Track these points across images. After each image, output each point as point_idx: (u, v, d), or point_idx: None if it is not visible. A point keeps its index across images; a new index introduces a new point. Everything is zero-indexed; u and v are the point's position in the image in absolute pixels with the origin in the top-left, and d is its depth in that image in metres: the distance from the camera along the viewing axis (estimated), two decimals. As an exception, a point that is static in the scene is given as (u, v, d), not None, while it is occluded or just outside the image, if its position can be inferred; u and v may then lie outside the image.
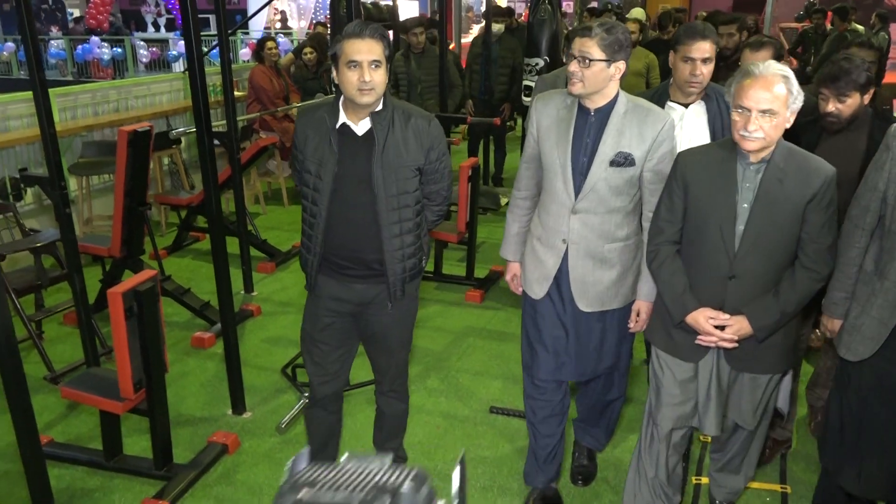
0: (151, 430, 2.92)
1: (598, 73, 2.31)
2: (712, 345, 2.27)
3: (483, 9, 7.44)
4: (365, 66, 2.21)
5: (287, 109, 6.48)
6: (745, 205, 2.16)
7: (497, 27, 6.60)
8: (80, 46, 15.04)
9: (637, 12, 7.76)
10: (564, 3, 16.40)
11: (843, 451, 2.37)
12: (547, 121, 2.48)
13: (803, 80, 9.10)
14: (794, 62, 9.41)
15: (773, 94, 2.02)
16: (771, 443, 3.10)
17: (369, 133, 2.34)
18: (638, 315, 2.57)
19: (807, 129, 2.75)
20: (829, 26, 9.57)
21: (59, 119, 5.78)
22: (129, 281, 2.78)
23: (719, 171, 2.18)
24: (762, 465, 3.04)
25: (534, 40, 5.77)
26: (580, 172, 2.41)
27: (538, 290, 2.58)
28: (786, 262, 2.20)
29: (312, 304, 2.56)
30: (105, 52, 14.66)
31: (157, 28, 20.09)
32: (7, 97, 5.57)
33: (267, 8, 15.45)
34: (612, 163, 2.36)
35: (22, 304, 3.87)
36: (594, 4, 13.45)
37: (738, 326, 2.21)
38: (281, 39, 11.89)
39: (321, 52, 6.87)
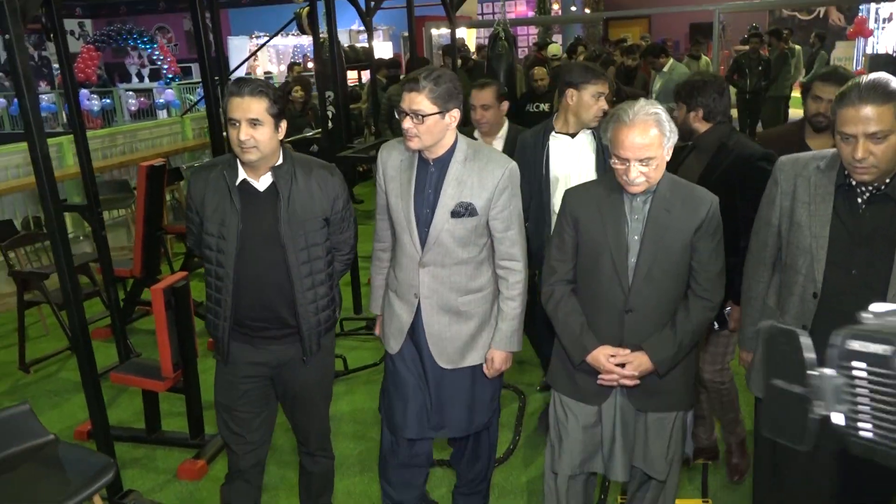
0: (187, 404, 3.53)
1: (432, 127, 2.26)
2: (614, 384, 2.23)
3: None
4: (242, 124, 2.19)
5: (278, 144, 7.20)
6: (636, 237, 2.16)
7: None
8: (70, 99, 15.69)
9: (553, 48, 8.48)
10: (530, 37, 17.34)
11: (779, 494, 2.28)
12: (391, 171, 2.43)
13: (744, 105, 9.50)
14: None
15: (648, 140, 2.03)
16: (695, 449, 3.22)
17: (272, 188, 2.31)
18: (493, 362, 2.49)
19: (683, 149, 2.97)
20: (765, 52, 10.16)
21: (72, 163, 6.46)
22: (166, 280, 3.41)
23: (607, 205, 2.18)
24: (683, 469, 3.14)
25: (493, 72, 6.53)
26: (424, 224, 2.36)
27: (394, 345, 2.51)
28: (679, 293, 2.22)
29: (226, 372, 2.48)
30: (95, 103, 15.35)
31: (140, 79, 20.82)
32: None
33: (247, 54, 16.23)
34: (454, 213, 2.32)
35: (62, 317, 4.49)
36: (557, 35, 14.33)
37: (639, 362, 2.18)
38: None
39: (306, 92, 7.61)
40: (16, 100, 12.23)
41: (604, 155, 2.92)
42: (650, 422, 2.28)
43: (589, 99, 3.00)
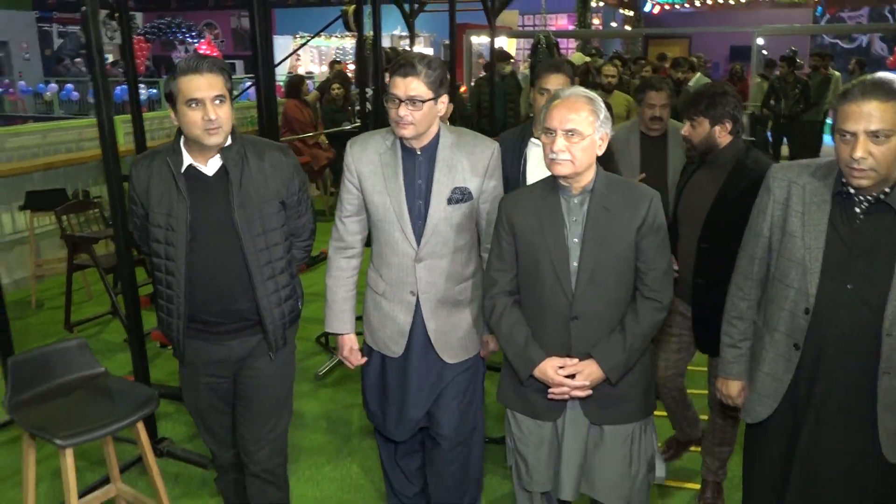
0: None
1: (427, 113, 2.19)
2: (566, 397, 2.11)
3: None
4: (208, 103, 2.02)
5: (317, 135, 7.48)
6: (576, 239, 2.06)
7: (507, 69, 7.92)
8: (118, 87, 16.30)
9: (576, 56, 8.62)
10: (569, 52, 17.52)
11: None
12: (368, 167, 2.30)
13: (778, 129, 9.49)
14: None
15: (577, 115, 1.98)
16: (675, 443, 3.23)
17: (221, 172, 2.15)
18: (488, 345, 2.47)
19: (690, 165, 2.82)
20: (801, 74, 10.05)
21: (123, 142, 6.78)
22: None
23: (544, 208, 2.09)
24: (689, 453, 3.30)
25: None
26: (418, 217, 2.28)
27: (395, 348, 2.38)
28: (626, 296, 2.11)
29: (188, 373, 2.33)
30: (142, 92, 15.88)
31: (186, 72, 21.41)
32: (84, 122, 6.54)
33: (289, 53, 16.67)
34: (450, 200, 2.27)
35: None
36: (596, 45, 14.49)
37: (588, 371, 2.07)
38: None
39: (346, 88, 7.88)
40: (68, 85, 12.84)
41: None
42: (607, 437, 2.15)
43: (536, 95, 2.85)
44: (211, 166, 2.14)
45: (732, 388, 2.17)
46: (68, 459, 2.19)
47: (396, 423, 2.45)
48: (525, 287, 2.16)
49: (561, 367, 2.08)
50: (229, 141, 2.13)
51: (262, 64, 4.00)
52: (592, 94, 2.05)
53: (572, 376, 2.08)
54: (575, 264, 2.05)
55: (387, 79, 2.26)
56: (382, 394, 2.47)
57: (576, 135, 1.97)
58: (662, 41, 18.11)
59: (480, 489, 2.74)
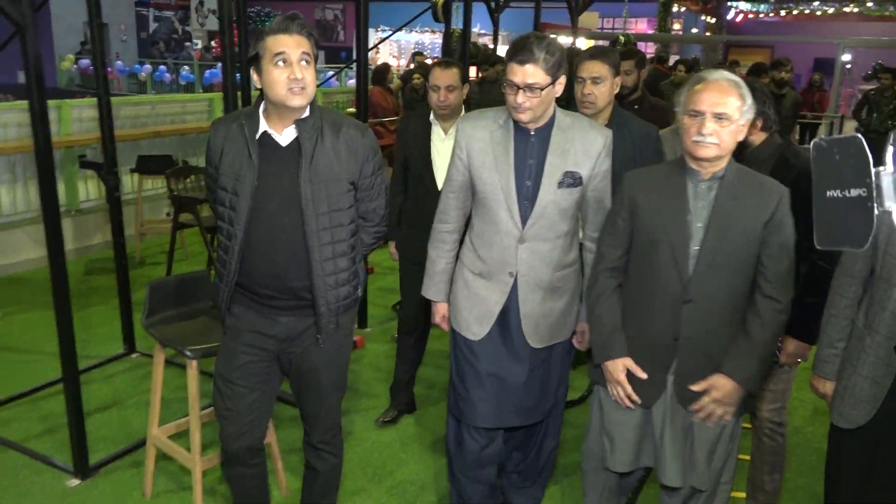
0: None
1: (545, 98, 2.16)
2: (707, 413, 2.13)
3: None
4: (294, 61, 1.98)
5: (398, 120, 7.84)
6: (699, 224, 2.05)
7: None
8: (208, 71, 17.17)
9: (626, 65, 8.72)
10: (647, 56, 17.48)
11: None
12: (479, 144, 2.28)
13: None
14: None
15: (726, 99, 1.96)
16: None
17: (295, 143, 2.07)
18: (583, 335, 2.46)
19: None
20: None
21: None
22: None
23: (669, 190, 2.08)
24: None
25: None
26: (526, 198, 2.25)
27: (478, 330, 2.38)
28: (743, 287, 2.09)
29: (229, 338, 2.23)
30: (230, 76, 16.71)
31: (270, 59, 22.23)
32: (188, 96, 7.05)
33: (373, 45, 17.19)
34: (561, 183, 2.24)
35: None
36: (674, 51, 14.49)
37: (720, 385, 2.09)
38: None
39: (426, 78, 8.24)
40: (161, 67, 13.79)
41: (628, 153, 2.71)
42: (695, 427, 2.19)
43: (575, 83, 2.79)
44: (286, 136, 2.08)
45: (829, 388, 2.12)
46: (194, 369, 2.55)
47: (474, 408, 2.41)
48: (636, 267, 2.16)
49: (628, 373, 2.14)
50: (307, 113, 2.07)
51: (362, 54, 4.38)
52: (738, 78, 2.04)
53: (705, 392, 2.10)
54: (695, 248, 2.05)
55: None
56: (458, 374, 2.47)
57: (724, 119, 1.97)
58: (744, 49, 17.89)
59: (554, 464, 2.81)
